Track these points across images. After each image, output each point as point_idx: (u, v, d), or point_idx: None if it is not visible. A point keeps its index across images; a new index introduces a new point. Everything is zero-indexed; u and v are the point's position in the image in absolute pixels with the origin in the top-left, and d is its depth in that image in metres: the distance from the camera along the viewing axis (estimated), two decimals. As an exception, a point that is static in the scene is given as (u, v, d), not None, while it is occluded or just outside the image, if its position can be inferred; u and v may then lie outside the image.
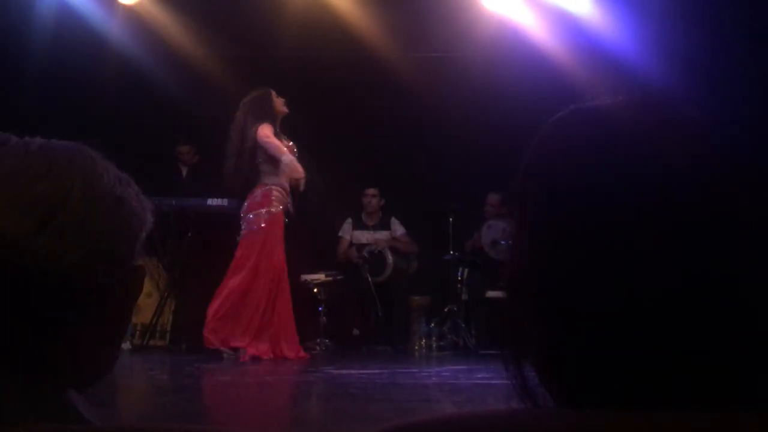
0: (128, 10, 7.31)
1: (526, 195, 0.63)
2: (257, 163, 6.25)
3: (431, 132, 7.85)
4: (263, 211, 6.23)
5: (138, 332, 6.92)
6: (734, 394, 0.56)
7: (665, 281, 0.56)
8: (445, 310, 7.51)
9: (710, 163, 0.59)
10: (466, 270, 7.68)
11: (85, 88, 7.35)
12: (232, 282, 6.24)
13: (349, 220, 7.93)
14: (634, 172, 0.58)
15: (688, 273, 0.56)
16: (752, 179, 0.59)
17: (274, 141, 6.20)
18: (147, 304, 6.87)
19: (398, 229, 7.90)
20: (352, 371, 5.52)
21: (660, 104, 0.64)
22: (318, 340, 7.15)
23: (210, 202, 7.22)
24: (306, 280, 7.25)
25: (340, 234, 7.89)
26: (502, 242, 7.32)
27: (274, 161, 6.23)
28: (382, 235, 7.86)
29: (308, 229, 6.87)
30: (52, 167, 0.70)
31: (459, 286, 7.62)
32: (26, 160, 0.70)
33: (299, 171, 6.24)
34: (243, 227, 6.31)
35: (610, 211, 0.58)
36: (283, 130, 6.42)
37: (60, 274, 0.68)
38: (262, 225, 6.22)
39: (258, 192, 6.26)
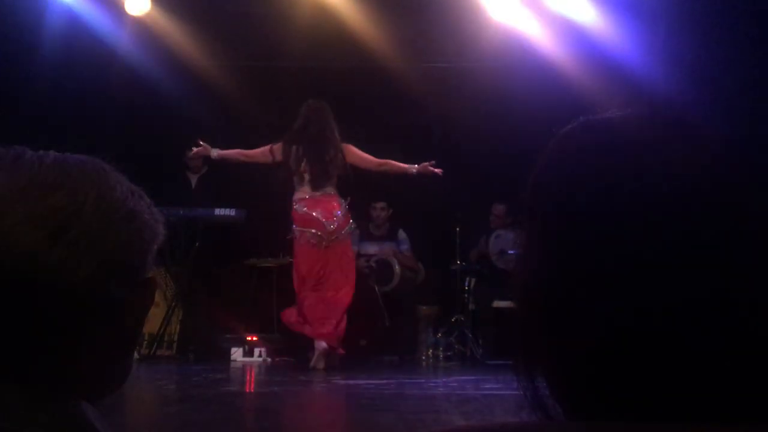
0: (137, 21, 7.34)
1: (537, 206, 0.63)
2: None
3: (437, 141, 7.85)
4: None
5: (145, 342, 6.92)
6: (748, 407, 0.55)
7: (678, 292, 0.56)
8: (453, 320, 7.49)
9: (720, 174, 0.59)
10: (473, 280, 7.66)
11: (94, 98, 7.39)
12: None
13: (357, 232, 7.93)
14: (645, 184, 0.58)
15: (702, 284, 0.56)
16: (763, 190, 0.59)
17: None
18: (154, 314, 6.87)
19: (404, 243, 7.91)
20: (360, 382, 5.51)
21: (669, 116, 0.64)
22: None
23: (217, 212, 7.23)
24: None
25: (347, 245, 7.88)
26: (510, 252, 7.30)
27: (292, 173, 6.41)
28: (389, 245, 7.87)
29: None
30: (66, 180, 0.71)
31: (466, 296, 7.61)
32: (40, 173, 0.71)
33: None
34: None
35: (621, 222, 0.58)
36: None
37: (73, 287, 0.69)
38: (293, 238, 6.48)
39: None
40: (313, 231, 6.36)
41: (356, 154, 6.47)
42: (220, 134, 7.69)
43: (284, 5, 7.28)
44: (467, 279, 7.65)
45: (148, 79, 7.30)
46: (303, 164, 6.32)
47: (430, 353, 7.39)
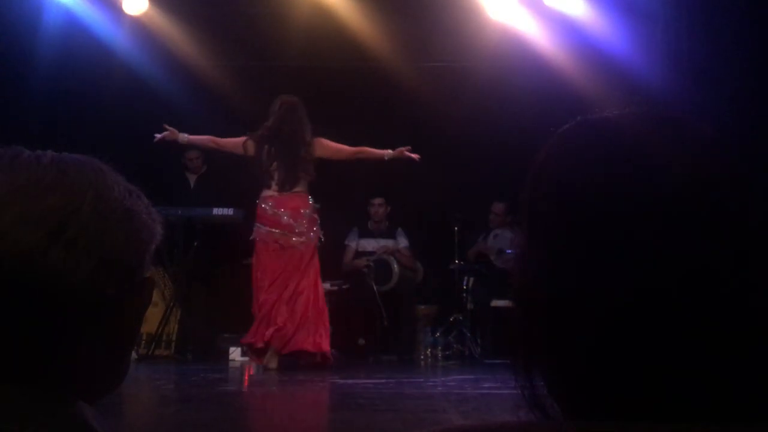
0: (134, 20, 7.34)
1: (535, 205, 0.63)
2: None
3: (436, 141, 7.85)
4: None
5: (143, 342, 6.92)
6: (747, 406, 0.55)
7: (678, 290, 0.56)
8: (451, 319, 7.50)
9: (717, 171, 0.59)
10: (472, 279, 7.67)
11: (92, 98, 7.38)
12: None
13: (355, 229, 7.93)
14: (643, 182, 0.58)
15: (702, 282, 0.56)
16: (759, 190, 0.59)
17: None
18: (153, 314, 6.87)
19: (402, 241, 7.90)
20: (358, 381, 5.51)
21: (668, 116, 0.64)
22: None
23: (215, 211, 7.23)
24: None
25: (346, 242, 7.89)
26: (508, 251, 7.31)
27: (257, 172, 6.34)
28: (388, 242, 7.87)
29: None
30: (64, 180, 0.71)
31: (464, 295, 7.61)
32: (38, 173, 0.71)
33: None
34: None
35: (619, 221, 0.58)
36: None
37: (71, 286, 0.69)
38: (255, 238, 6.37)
39: None
40: (279, 231, 6.27)
41: (329, 146, 6.34)
42: (218, 133, 7.68)
43: (283, 5, 7.28)
44: (466, 278, 7.66)
45: (146, 78, 7.30)
46: (274, 163, 6.27)
47: (428, 352, 7.39)
